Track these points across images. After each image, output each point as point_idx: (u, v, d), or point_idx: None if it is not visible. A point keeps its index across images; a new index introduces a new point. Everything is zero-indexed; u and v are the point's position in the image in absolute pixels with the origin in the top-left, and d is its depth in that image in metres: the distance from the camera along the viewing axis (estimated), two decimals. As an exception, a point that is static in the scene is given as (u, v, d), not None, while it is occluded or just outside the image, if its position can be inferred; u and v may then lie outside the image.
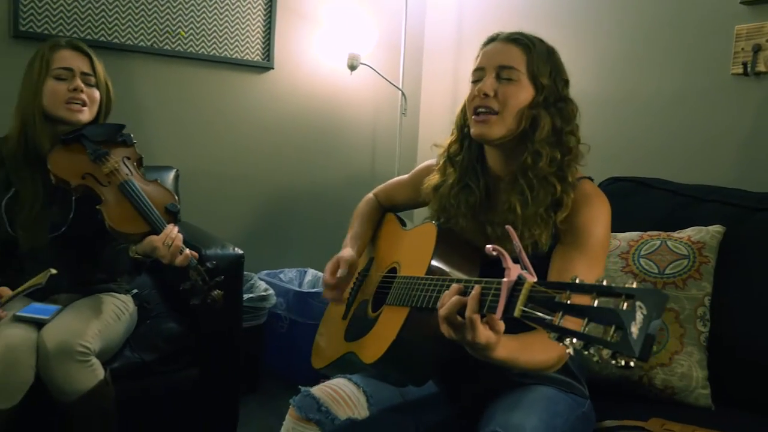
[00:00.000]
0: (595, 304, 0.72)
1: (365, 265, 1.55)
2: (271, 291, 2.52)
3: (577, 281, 0.76)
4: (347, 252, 1.46)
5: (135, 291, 1.93)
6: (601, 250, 1.22)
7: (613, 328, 0.69)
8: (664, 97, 2.21)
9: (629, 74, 2.33)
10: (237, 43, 2.69)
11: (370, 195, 1.67)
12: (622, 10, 2.35)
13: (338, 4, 2.90)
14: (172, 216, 1.69)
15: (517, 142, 1.24)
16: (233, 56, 2.69)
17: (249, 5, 2.70)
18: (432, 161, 1.46)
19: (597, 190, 1.26)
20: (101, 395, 1.54)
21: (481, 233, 1.28)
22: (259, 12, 2.73)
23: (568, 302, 0.75)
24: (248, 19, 2.71)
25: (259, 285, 2.56)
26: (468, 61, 1.28)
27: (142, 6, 2.47)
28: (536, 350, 1.08)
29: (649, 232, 1.70)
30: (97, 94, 1.75)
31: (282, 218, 2.96)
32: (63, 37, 1.79)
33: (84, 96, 1.70)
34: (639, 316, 0.66)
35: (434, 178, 1.38)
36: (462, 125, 1.32)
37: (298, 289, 2.62)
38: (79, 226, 1.72)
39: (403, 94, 3.02)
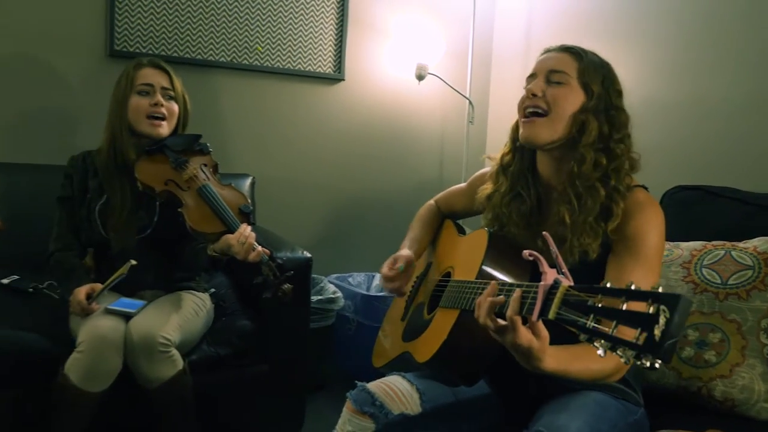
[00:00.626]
0: (624, 307, 0.76)
1: (424, 270, 1.61)
2: (339, 294, 2.61)
3: (608, 285, 0.80)
4: (404, 251, 1.54)
5: (212, 290, 2.07)
6: (655, 258, 1.22)
7: (638, 330, 0.72)
8: (734, 102, 2.15)
9: (698, 79, 2.28)
10: (310, 56, 2.83)
11: (431, 201, 1.74)
12: (691, 14, 2.31)
13: (407, 17, 2.98)
14: (245, 216, 1.82)
15: (566, 149, 1.27)
16: (306, 69, 2.82)
17: (321, 20, 2.83)
18: (487, 169, 1.51)
19: (650, 199, 1.26)
20: (180, 384, 1.67)
21: (533, 242, 1.30)
22: (331, 26, 2.86)
23: (600, 305, 0.79)
24: (321, 34, 2.84)
25: (328, 288, 2.66)
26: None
27: (223, 24, 2.64)
28: (589, 359, 1.08)
29: (713, 242, 1.67)
30: (175, 107, 1.90)
31: (352, 224, 3.07)
32: (145, 56, 1.95)
33: (164, 110, 1.86)
34: (662, 320, 0.70)
35: (487, 188, 1.42)
36: (515, 137, 1.36)
37: (365, 292, 2.70)
38: (163, 228, 1.87)
39: (470, 102, 3.07)
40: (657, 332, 0.70)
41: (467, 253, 1.38)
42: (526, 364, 1.00)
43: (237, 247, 1.69)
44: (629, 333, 0.74)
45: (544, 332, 0.97)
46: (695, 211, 1.86)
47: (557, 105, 1.25)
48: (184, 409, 1.69)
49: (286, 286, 1.72)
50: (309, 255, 2.08)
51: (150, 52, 2.51)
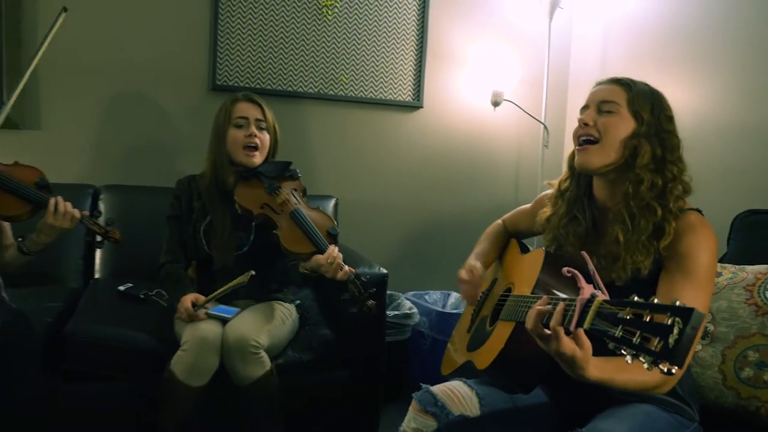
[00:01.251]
0: (647, 319, 0.86)
1: (489, 285, 1.73)
2: (415, 310, 2.74)
3: (635, 300, 0.90)
4: (472, 261, 1.66)
5: (298, 301, 2.25)
6: (706, 278, 1.27)
7: (657, 339, 0.83)
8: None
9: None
10: (390, 85, 3.02)
11: (499, 221, 1.86)
12: (761, 37, 2.30)
13: (483, 45, 3.13)
14: (333, 238, 2.00)
15: (620, 173, 1.36)
16: (387, 98, 3.02)
17: (402, 51, 3.02)
18: (550, 191, 1.61)
19: (703, 221, 1.32)
20: (268, 384, 1.86)
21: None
22: (411, 57, 3.04)
23: (628, 318, 0.90)
24: (401, 64, 3.03)
25: (405, 304, 2.80)
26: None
27: (312, 59, 2.89)
28: (634, 370, 1.11)
29: (779, 266, 1.69)
30: (267, 137, 2.10)
31: (430, 244, 3.21)
32: (240, 91, 2.16)
33: (257, 140, 2.06)
34: (675, 330, 0.80)
35: (547, 211, 1.53)
36: (572, 165, 1.47)
37: (440, 309, 2.81)
38: (258, 246, 2.08)
39: (545, 127, 3.15)
40: (671, 340, 0.80)
41: (526, 270, 1.49)
42: (570, 372, 1.10)
43: (326, 267, 1.88)
44: (651, 342, 0.84)
45: (587, 342, 1.06)
46: (765, 235, 1.87)
47: (608, 132, 1.35)
48: (271, 407, 1.88)
49: (371, 302, 1.90)
50: (385, 271, 2.23)
51: (246, 85, 2.78)
